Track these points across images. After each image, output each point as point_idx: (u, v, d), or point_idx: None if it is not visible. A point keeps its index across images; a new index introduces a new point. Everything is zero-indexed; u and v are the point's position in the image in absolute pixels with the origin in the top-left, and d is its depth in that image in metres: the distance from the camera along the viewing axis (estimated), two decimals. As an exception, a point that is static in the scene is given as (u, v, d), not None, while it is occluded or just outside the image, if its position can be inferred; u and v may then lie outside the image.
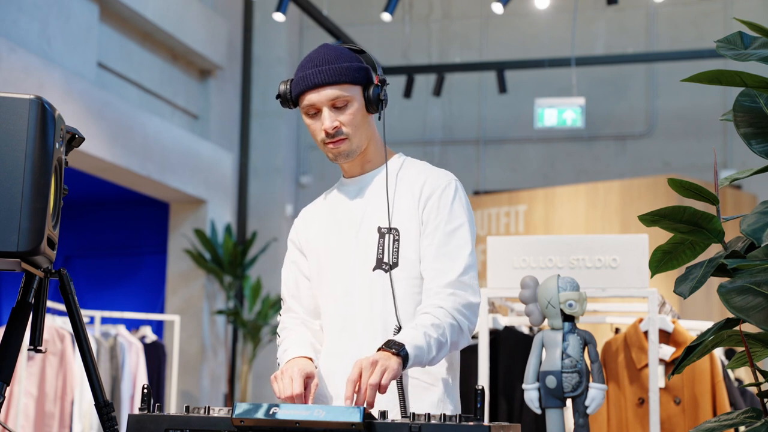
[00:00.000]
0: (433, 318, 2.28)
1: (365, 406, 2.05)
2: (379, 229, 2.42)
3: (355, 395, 2.11)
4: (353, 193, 2.51)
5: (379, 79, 2.44)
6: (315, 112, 2.41)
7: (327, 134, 2.40)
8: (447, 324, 2.28)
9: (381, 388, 2.10)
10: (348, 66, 2.40)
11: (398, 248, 2.40)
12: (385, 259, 2.39)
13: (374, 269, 2.40)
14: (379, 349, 2.18)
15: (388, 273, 2.39)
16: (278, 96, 2.47)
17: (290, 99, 2.45)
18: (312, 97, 2.39)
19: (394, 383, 2.35)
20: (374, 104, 2.43)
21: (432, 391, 2.39)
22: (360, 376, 2.11)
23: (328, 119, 2.39)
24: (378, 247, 2.40)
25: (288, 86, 2.45)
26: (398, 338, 2.21)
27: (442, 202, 2.41)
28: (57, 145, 2.22)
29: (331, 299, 2.46)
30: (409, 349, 2.18)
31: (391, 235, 2.40)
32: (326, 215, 2.54)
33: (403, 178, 2.47)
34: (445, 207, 2.40)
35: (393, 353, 2.16)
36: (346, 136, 2.41)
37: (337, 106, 2.40)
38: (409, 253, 2.39)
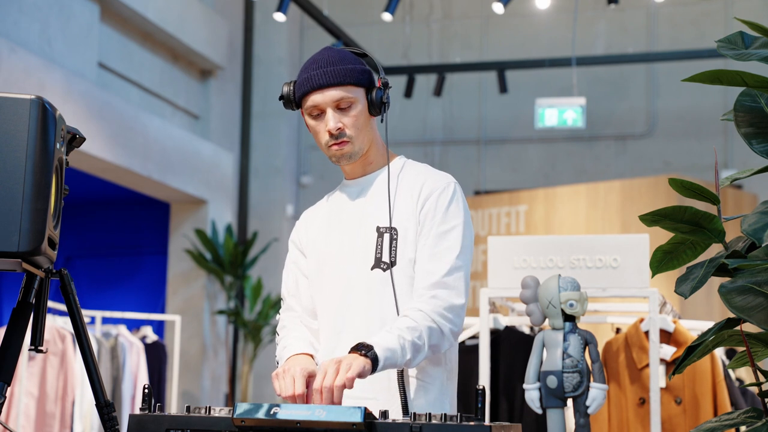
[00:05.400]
0: (410, 321, 2.28)
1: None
2: (378, 228, 2.43)
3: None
4: (354, 194, 2.52)
5: (382, 82, 2.46)
6: (318, 114, 2.43)
7: (330, 135, 2.41)
8: (425, 327, 2.29)
9: (347, 383, 2.11)
10: (352, 68, 2.41)
11: (396, 247, 2.40)
12: (384, 258, 2.40)
13: (372, 268, 2.41)
14: (349, 351, 2.20)
15: (386, 272, 2.39)
16: (281, 97, 2.48)
17: (293, 100, 2.46)
18: (316, 98, 2.40)
19: (395, 382, 2.35)
20: (377, 107, 2.45)
21: (428, 391, 2.39)
22: (324, 379, 2.12)
23: (332, 120, 2.40)
24: (376, 246, 2.41)
25: (291, 87, 2.46)
26: (369, 341, 2.22)
27: (439, 203, 2.41)
28: (58, 146, 2.23)
29: (331, 298, 2.47)
30: (378, 351, 2.19)
31: (390, 235, 2.41)
32: (327, 216, 2.55)
33: (403, 179, 2.48)
34: (441, 208, 2.41)
35: (361, 354, 2.17)
36: (349, 139, 2.42)
37: (340, 108, 2.41)
38: (408, 252, 2.40)
